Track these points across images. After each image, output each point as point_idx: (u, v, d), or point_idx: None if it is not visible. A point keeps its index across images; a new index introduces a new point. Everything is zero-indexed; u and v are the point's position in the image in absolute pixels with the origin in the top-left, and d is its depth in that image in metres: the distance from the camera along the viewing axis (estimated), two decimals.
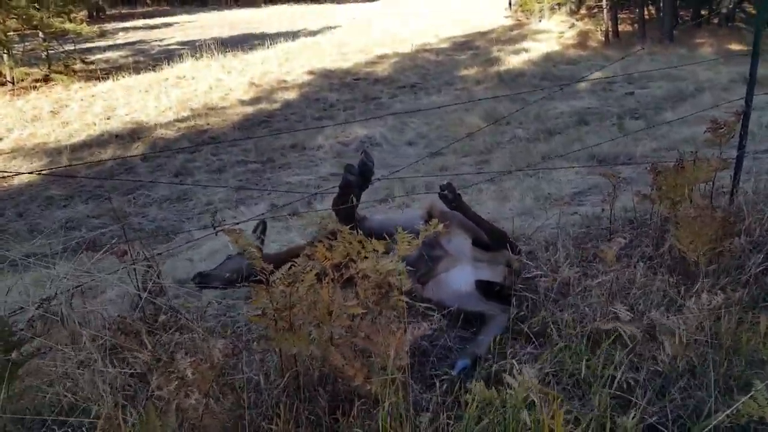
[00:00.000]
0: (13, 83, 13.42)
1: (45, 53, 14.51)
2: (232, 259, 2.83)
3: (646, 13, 17.66)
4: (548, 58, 14.49)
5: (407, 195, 5.22)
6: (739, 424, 1.60)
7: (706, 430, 1.58)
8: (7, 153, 9.46)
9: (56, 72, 14.06)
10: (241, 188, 6.92)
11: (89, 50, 17.27)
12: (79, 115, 11.35)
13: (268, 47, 16.76)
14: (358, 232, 1.89)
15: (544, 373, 1.89)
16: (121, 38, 21.27)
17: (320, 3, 33.54)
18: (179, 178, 7.76)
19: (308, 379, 1.72)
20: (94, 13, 27.50)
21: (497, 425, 1.54)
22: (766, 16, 3.35)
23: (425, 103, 10.72)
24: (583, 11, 19.38)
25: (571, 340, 2.03)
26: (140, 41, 20.48)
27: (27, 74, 13.77)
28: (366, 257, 1.84)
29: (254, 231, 3.04)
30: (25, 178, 7.72)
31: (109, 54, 17.67)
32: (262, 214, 4.74)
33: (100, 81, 13.71)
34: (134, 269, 1.97)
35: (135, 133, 10.22)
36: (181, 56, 15.31)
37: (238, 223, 2.03)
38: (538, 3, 19.35)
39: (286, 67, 14.60)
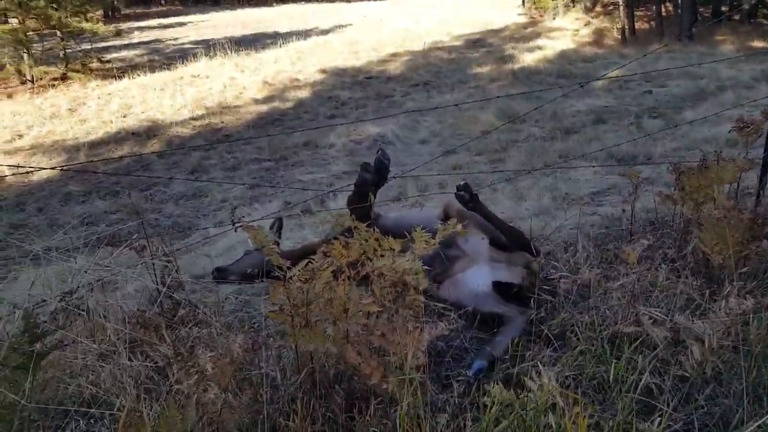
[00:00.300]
0: (32, 81, 13.65)
1: (63, 52, 14.72)
2: (250, 255, 2.84)
3: (663, 10, 17.40)
4: (563, 56, 14.35)
5: (421, 195, 5.20)
6: None
7: None
8: (27, 150, 9.61)
9: (74, 70, 14.27)
10: (256, 186, 6.94)
11: (105, 49, 17.47)
12: (96, 113, 11.49)
13: (280, 46, 16.82)
14: (374, 229, 1.87)
15: (564, 377, 1.85)
16: (136, 37, 21.48)
17: (332, 1, 33.58)
18: (195, 176, 7.81)
19: (324, 376, 1.72)
20: (110, 13, 27.82)
21: (517, 428, 1.51)
22: None
23: (438, 102, 10.67)
24: (598, 9, 19.14)
25: (591, 343, 1.99)
26: (155, 40, 20.68)
27: (45, 73, 13.99)
28: (382, 255, 1.82)
29: (271, 228, 3.05)
30: (44, 175, 7.84)
31: (124, 53, 17.87)
32: (278, 211, 4.75)
33: (116, 79, 13.87)
34: (153, 264, 1.98)
35: (151, 131, 10.32)
36: (195, 55, 15.43)
37: (253, 221, 2.03)
38: (553, 0, 19.17)
39: (299, 65, 14.64)
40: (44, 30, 14.79)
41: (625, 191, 3.98)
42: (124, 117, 11.20)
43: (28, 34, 13.91)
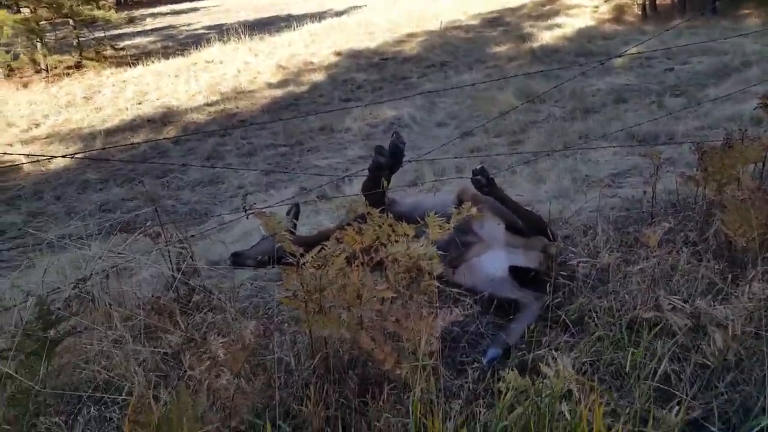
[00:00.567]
0: (47, 70, 13.78)
1: (76, 40, 14.82)
2: (267, 240, 2.84)
3: None
4: (583, 33, 13.99)
5: (437, 179, 5.14)
6: None
7: (756, 429, 1.50)
8: (44, 138, 9.74)
9: (88, 59, 14.37)
10: (271, 172, 6.95)
11: (119, 37, 17.54)
12: (111, 101, 11.58)
13: (294, 29, 16.69)
14: (388, 215, 1.85)
15: (581, 363, 1.83)
16: (149, 24, 21.52)
17: None
18: (210, 162, 7.85)
19: (338, 361, 1.72)
20: (122, 0, 27.89)
21: (531, 415, 1.49)
22: None
23: (455, 82, 10.51)
24: None
25: (609, 329, 1.96)
26: (168, 26, 20.69)
27: (60, 61, 14.11)
28: (396, 241, 1.80)
29: (288, 213, 3.05)
30: (61, 163, 7.94)
31: (138, 40, 17.92)
32: (292, 197, 4.76)
33: (130, 67, 13.93)
34: (168, 251, 1.99)
35: (166, 118, 10.38)
36: (208, 40, 15.39)
37: (268, 207, 2.02)
38: None
39: (313, 48, 14.52)
40: (56, 19, 14.90)
41: (646, 172, 3.89)
42: (140, 104, 11.28)
43: (40, 23, 14.02)
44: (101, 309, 1.74)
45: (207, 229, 3.66)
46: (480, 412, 1.56)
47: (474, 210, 1.93)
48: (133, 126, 10.07)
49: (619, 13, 16.18)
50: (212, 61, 13.89)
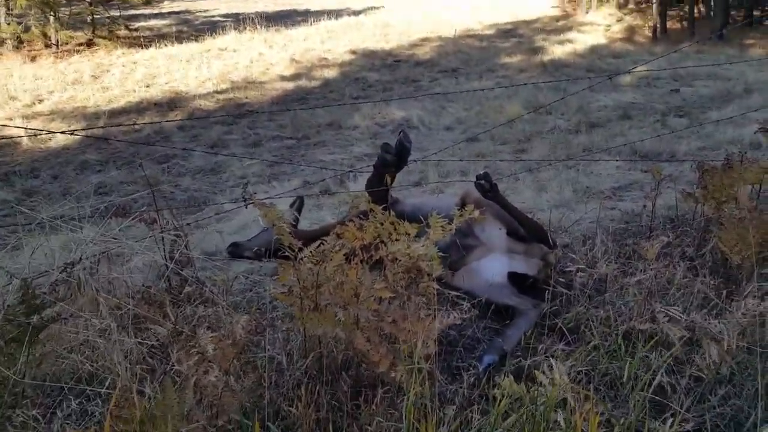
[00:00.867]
0: (57, 46, 13.68)
1: (90, 17, 14.73)
2: (267, 232, 2.81)
3: (696, 11, 16.94)
4: (594, 50, 14.02)
5: (441, 181, 5.11)
6: None
7: None
8: (47, 114, 9.66)
9: (100, 37, 14.29)
10: (275, 163, 6.90)
11: (134, 17, 17.48)
12: (119, 81, 11.52)
13: (311, 24, 16.67)
14: (390, 213, 1.82)
15: (576, 372, 1.82)
16: (167, 7, 21.47)
17: None
18: (214, 150, 7.80)
19: (331, 361, 1.68)
20: None
21: (526, 423, 1.47)
22: None
23: (466, 89, 10.50)
24: (631, 5, 18.74)
25: (605, 339, 1.95)
26: (185, 11, 20.65)
27: (71, 37, 14.01)
28: (397, 240, 1.77)
29: (291, 206, 3.02)
30: (61, 141, 7.87)
31: (153, 22, 17.88)
32: (294, 189, 4.72)
33: (142, 48, 13.87)
34: (162, 238, 1.95)
35: (173, 102, 10.32)
36: (224, 28, 15.36)
37: (269, 198, 1.99)
38: None
39: (328, 44, 14.50)
40: None
41: (647, 188, 3.90)
42: (148, 87, 11.22)
43: None
44: (89, 296, 1.68)
45: (204, 218, 3.62)
46: (474, 418, 1.53)
47: (477, 213, 1.91)
48: (139, 108, 10.01)
49: (630, 33, 16.23)
50: (226, 49, 13.85)
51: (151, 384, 1.52)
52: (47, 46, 13.84)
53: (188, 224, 2.28)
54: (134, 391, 1.21)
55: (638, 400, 1.64)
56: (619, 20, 17.48)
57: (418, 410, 1.46)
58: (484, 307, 2.27)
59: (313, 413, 1.49)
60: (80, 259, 1.73)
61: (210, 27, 16.05)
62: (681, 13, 17.89)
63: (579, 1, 19.27)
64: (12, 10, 14.19)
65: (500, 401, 1.47)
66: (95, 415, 1.58)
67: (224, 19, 17.54)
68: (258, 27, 15.42)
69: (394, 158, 2.45)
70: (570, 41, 14.90)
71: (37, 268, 1.82)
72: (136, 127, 8.29)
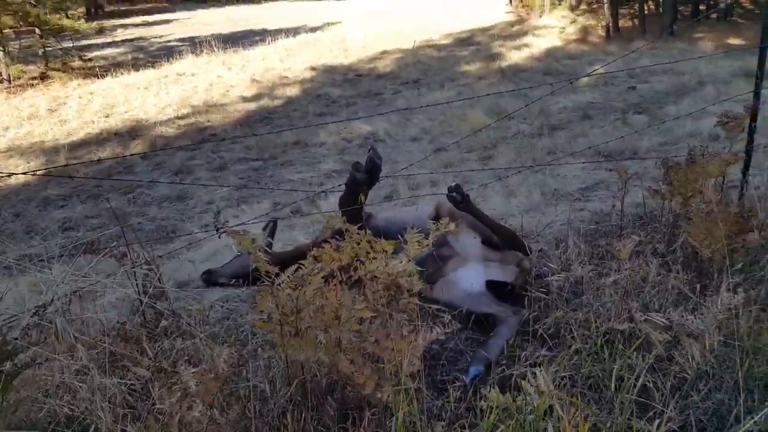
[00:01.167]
0: (9, 81, 13.30)
1: (42, 50, 14.38)
2: (241, 257, 2.77)
3: (646, 8, 17.64)
4: (550, 53, 14.43)
5: (413, 196, 5.15)
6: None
7: None
8: (3, 152, 9.35)
9: (54, 69, 13.96)
10: (243, 187, 6.82)
11: (87, 47, 17.14)
12: (77, 113, 11.25)
13: (268, 43, 16.66)
14: (366, 231, 1.82)
15: (560, 377, 1.82)
16: (120, 35, 21.15)
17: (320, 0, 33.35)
18: (179, 177, 7.66)
19: (316, 386, 1.65)
20: (92, 10, 27.35)
21: None
22: None
23: (428, 99, 10.65)
24: (583, 7, 19.35)
25: (586, 342, 1.97)
26: (139, 38, 20.37)
27: (23, 72, 13.65)
28: (374, 258, 1.77)
29: (264, 229, 2.98)
30: (21, 178, 7.62)
31: (107, 51, 17.57)
32: (266, 213, 4.67)
33: (98, 78, 13.60)
34: (134, 272, 1.89)
35: (134, 131, 10.13)
36: (180, 53, 15.21)
37: (242, 224, 1.95)
38: None
39: (288, 62, 14.51)
40: (22, 27, 14.43)
41: (613, 186, 3.98)
42: (107, 117, 10.99)
43: (4, 31, 13.54)
44: (63, 337, 1.62)
45: (176, 248, 3.54)
46: None
47: (452, 226, 1.92)
48: (99, 139, 9.79)
49: (584, 34, 16.77)
50: (184, 73, 13.70)
51: (133, 424, 1.46)
52: None
53: (160, 256, 2.23)
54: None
55: (623, 402, 1.65)
56: (573, 22, 18.03)
57: (407, 429, 1.45)
58: (464, 318, 2.27)
59: None
60: (51, 300, 1.67)
61: (166, 52, 15.86)
62: (632, 11, 18.60)
63: (532, 6, 19.82)
64: None
65: (488, 414, 1.47)
66: None
67: (180, 44, 17.38)
68: (215, 49, 15.32)
69: (365, 176, 2.45)
70: (526, 46, 15.29)
71: (7, 313, 1.74)
72: (97, 158, 8.09)
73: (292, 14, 25.61)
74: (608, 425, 1.60)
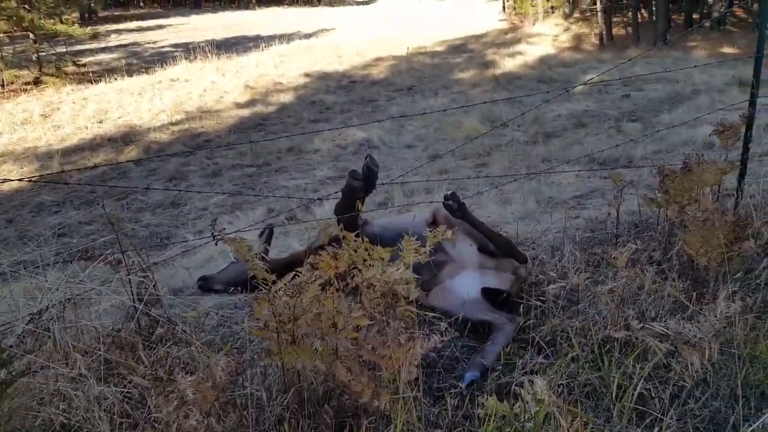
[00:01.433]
0: (2, 86, 13.26)
1: (36, 55, 14.35)
2: (237, 263, 2.75)
3: (639, 16, 17.84)
4: (543, 61, 14.55)
5: (409, 204, 5.15)
6: None
7: None
8: None
9: (47, 74, 13.92)
10: (238, 194, 6.80)
11: (81, 52, 17.13)
12: (70, 119, 11.21)
13: (262, 49, 16.71)
14: (363, 239, 1.81)
15: (557, 384, 1.82)
16: (114, 40, 21.13)
17: (314, 6, 33.50)
18: (173, 183, 7.63)
19: (312, 394, 1.64)
20: (87, 15, 27.32)
21: None
22: None
23: (422, 106, 10.70)
24: (577, 15, 19.52)
25: (582, 349, 1.97)
26: (133, 43, 20.36)
27: (17, 77, 13.61)
28: (371, 265, 1.76)
29: (260, 236, 2.97)
30: (14, 184, 7.57)
31: (101, 56, 17.54)
32: (263, 221, 4.66)
33: (92, 84, 13.58)
34: (129, 279, 1.88)
35: (128, 137, 10.10)
36: (174, 59, 15.22)
37: (238, 231, 1.95)
38: (533, 6, 19.42)
39: (282, 69, 14.54)
40: (16, 32, 14.40)
41: (608, 194, 3.99)
42: (100, 122, 10.96)
43: None
44: (58, 345, 1.60)
45: (171, 255, 3.52)
46: None
47: (449, 233, 1.92)
48: (92, 145, 9.75)
49: (578, 42, 16.93)
50: (177, 79, 13.70)
51: None
52: None
53: (155, 263, 2.21)
54: None
55: (621, 410, 1.65)
56: (566, 30, 18.21)
57: None
58: (460, 326, 2.27)
59: None
60: (47, 307, 1.65)
61: (160, 58, 15.86)
62: (625, 20, 18.82)
63: (526, 13, 19.99)
64: None
65: (486, 422, 1.47)
66: None
67: (174, 50, 17.39)
68: (209, 55, 15.35)
69: (362, 184, 2.44)
70: (520, 53, 15.42)
71: (1, 320, 1.72)
72: (91, 164, 8.06)
73: (286, 20, 25.72)
74: None
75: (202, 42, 16.95)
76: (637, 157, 6.40)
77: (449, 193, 2.43)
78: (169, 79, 13.64)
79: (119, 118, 11.17)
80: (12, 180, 1.64)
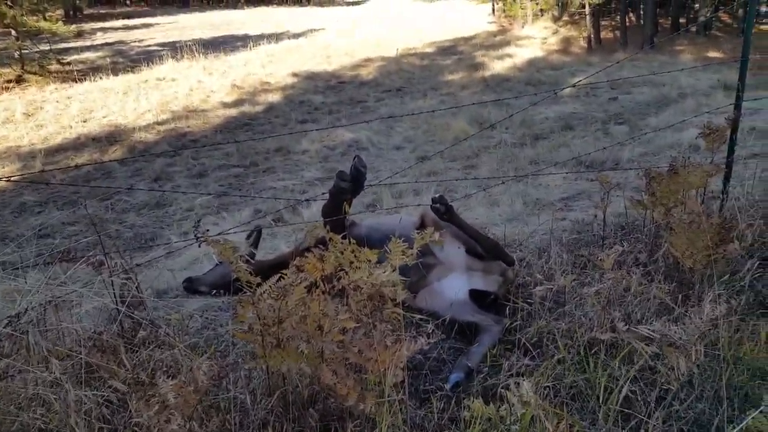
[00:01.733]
0: None
1: (18, 53, 14.11)
2: (222, 265, 2.73)
3: (627, 20, 18.06)
4: (532, 63, 14.65)
5: (398, 206, 5.15)
6: None
7: None
8: None
9: (30, 72, 13.70)
10: (224, 195, 6.74)
11: (65, 50, 16.89)
12: (54, 118, 11.05)
13: (250, 49, 16.62)
14: (349, 241, 1.80)
15: (543, 387, 1.82)
16: (99, 39, 20.88)
17: (304, 6, 33.42)
18: (158, 183, 7.55)
19: (297, 397, 1.62)
20: (71, 13, 26.97)
21: None
22: (753, 23, 3.34)
23: (411, 108, 10.71)
24: (565, 18, 19.69)
25: (568, 351, 1.97)
26: (119, 42, 20.14)
27: None
28: (358, 267, 1.75)
29: (248, 238, 2.94)
30: None
31: (86, 54, 17.32)
32: (249, 222, 4.62)
33: (76, 82, 13.39)
34: (111, 281, 1.85)
35: (113, 136, 9.98)
36: (161, 57, 15.08)
37: (222, 233, 1.92)
38: (522, 9, 19.56)
39: (269, 68, 14.47)
40: None
41: (595, 196, 4.01)
42: (85, 122, 10.81)
43: None
44: (37, 349, 1.57)
45: (155, 256, 3.48)
46: None
47: (437, 236, 1.91)
48: (76, 145, 9.61)
49: (566, 44, 17.08)
50: (164, 78, 13.57)
51: None
52: None
53: (138, 265, 2.18)
54: None
55: (607, 412, 1.66)
56: (555, 32, 18.37)
57: None
58: (447, 327, 2.27)
59: None
60: (26, 310, 1.61)
61: (146, 57, 15.70)
62: (613, 23, 19.04)
63: (515, 16, 20.12)
64: None
65: (472, 424, 1.46)
66: None
67: (160, 48, 17.23)
68: (196, 54, 15.23)
69: (350, 185, 2.43)
70: (509, 56, 15.51)
71: None
72: (75, 164, 7.94)
73: (275, 20, 25.62)
74: None
75: (189, 41, 16.83)
76: (624, 159, 6.46)
77: (437, 196, 2.43)
78: (155, 79, 13.51)
79: (104, 117, 11.03)
80: None
